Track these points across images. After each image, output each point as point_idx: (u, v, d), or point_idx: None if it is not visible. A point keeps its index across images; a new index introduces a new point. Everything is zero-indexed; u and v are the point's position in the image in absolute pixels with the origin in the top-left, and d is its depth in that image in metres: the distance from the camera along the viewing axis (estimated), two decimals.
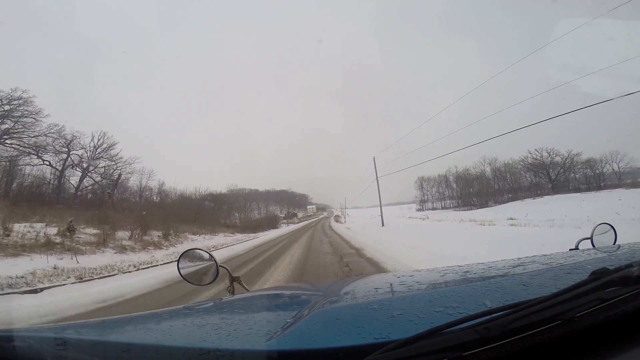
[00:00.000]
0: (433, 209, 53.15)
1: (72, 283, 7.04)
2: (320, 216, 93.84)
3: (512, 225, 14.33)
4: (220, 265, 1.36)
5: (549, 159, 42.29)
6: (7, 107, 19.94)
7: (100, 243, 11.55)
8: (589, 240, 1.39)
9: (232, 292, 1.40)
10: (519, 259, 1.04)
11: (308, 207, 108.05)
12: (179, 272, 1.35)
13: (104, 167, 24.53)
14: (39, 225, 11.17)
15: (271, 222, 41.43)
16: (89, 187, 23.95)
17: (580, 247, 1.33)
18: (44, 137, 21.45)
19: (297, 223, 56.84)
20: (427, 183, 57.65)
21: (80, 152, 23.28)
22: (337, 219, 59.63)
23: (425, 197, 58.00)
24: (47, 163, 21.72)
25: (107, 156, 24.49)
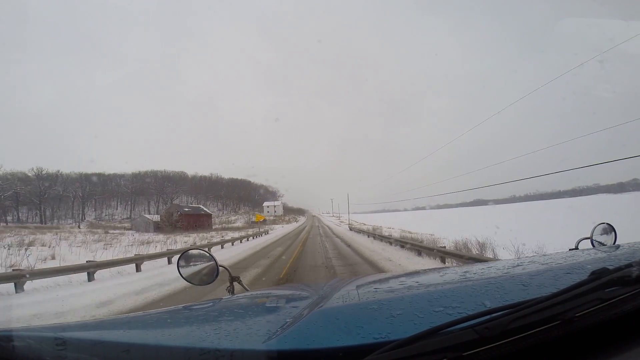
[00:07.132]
0: None
1: None
2: (288, 228, 39.60)
3: None
4: (220, 265, 1.36)
5: None
6: None
7: None
8: (589, 240, 1.39)
9: (232, 292, 1.39)
10: (518, 258, 1.04)
11: (265, 204, 64.68)
12: (179, 272, 1.35)
13: None
14: None
15: None
16: None
17: (580, 247, 1.33)
18: None
19: None
20: None
21: None
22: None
23: None
24: None
25: None
